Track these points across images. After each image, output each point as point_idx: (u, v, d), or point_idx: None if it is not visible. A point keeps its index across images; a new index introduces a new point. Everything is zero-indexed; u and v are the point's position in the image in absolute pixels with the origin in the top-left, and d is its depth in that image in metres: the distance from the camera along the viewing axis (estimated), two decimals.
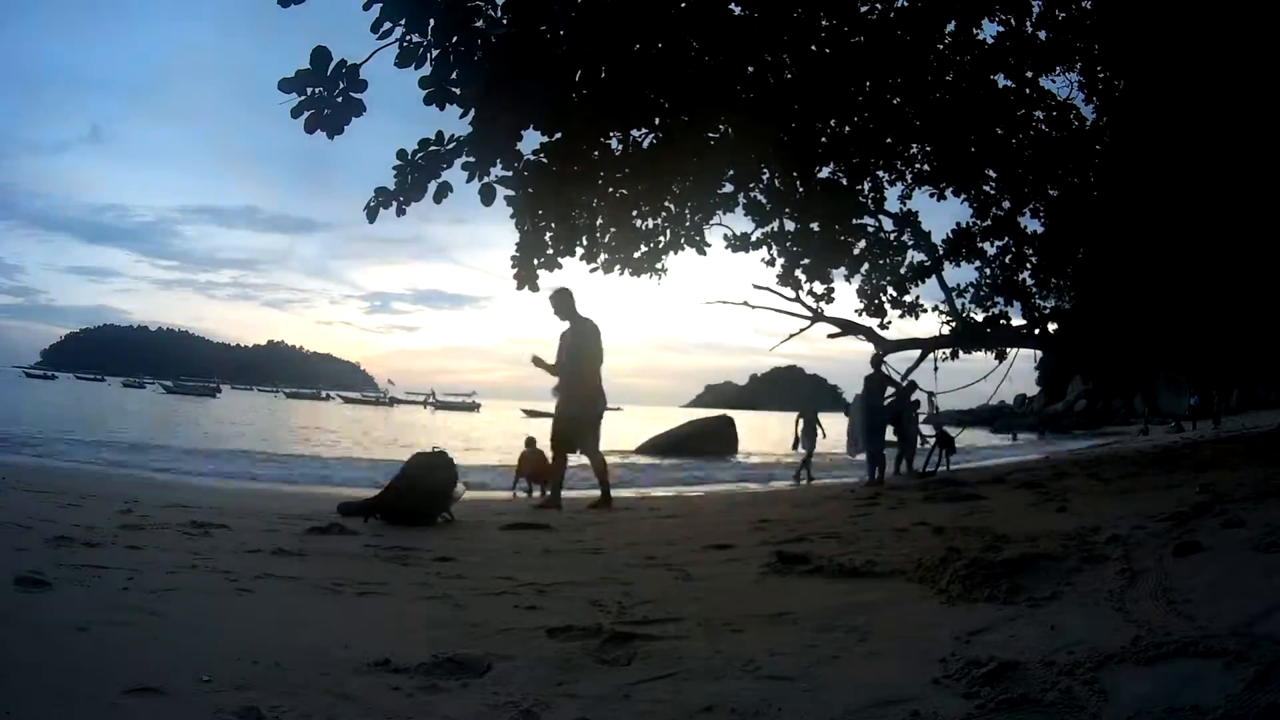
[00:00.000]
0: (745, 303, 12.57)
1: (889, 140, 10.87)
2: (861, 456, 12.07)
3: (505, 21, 5.05)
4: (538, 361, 7.80)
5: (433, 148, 5.28)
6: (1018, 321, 12.97)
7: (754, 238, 11.47)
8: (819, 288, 12.16)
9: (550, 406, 8.21)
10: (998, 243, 12.64)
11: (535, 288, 7.48)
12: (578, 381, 7.64)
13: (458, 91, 4.97)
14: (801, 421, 14.50)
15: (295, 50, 4.79)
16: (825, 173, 10.79)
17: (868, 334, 12.77)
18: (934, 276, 12.61)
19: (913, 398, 13.16)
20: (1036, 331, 13.19)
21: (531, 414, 59.13)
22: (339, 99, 4.64)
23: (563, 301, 7.67)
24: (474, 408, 69.05)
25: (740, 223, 12.60)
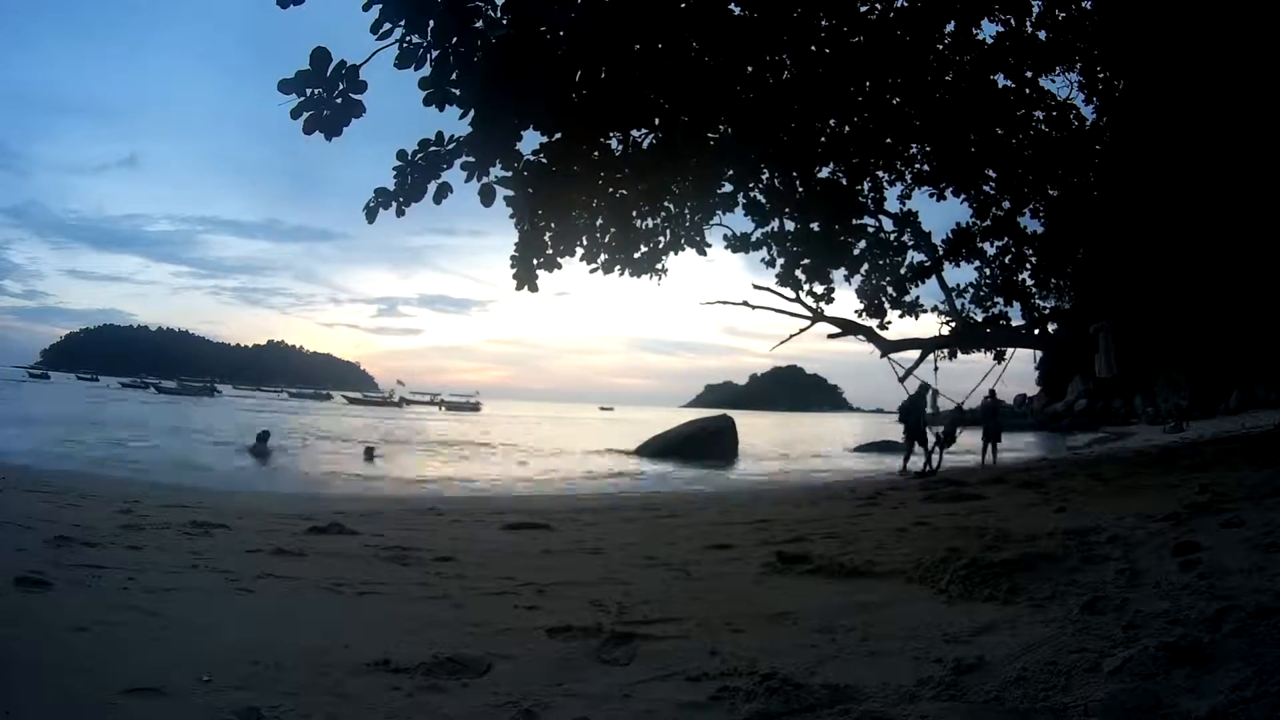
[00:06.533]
0: (745, 303, 12.57)
1: (889, 140, 10.87)
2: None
3: (505, 22, 5.05)
4: None
5: (433, 148, 5.28)
6: (1018, 321, 12.98)
7: (754, 238, 11.47)
8: (819, 288, 12.16)
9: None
10: (998, 243, 12.65)
11: (535, 288, 7.47)
12: None
13: (457, 92, 4.98)
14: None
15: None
16: (825, 173, 10.80)
17: (868, 334, 12.76)
18: (934, 276, 12.61)
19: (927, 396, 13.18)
20: (1036, 331, 13.19)
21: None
22: (338, 100, 4.64)
23: None
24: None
25: (740, 223, 12.62)
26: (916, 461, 13.31)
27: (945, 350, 12.86)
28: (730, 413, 25.74)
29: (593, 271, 9.12)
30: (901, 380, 12.60)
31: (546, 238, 7.64)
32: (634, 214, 8.95)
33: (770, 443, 29.35)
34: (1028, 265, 12.79)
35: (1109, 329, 10.94)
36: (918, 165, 11.78)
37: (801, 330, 12.63)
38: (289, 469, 14.42)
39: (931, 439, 13.14)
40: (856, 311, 12.98)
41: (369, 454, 17.28)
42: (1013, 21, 10.12)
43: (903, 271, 12.65)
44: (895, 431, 17.54)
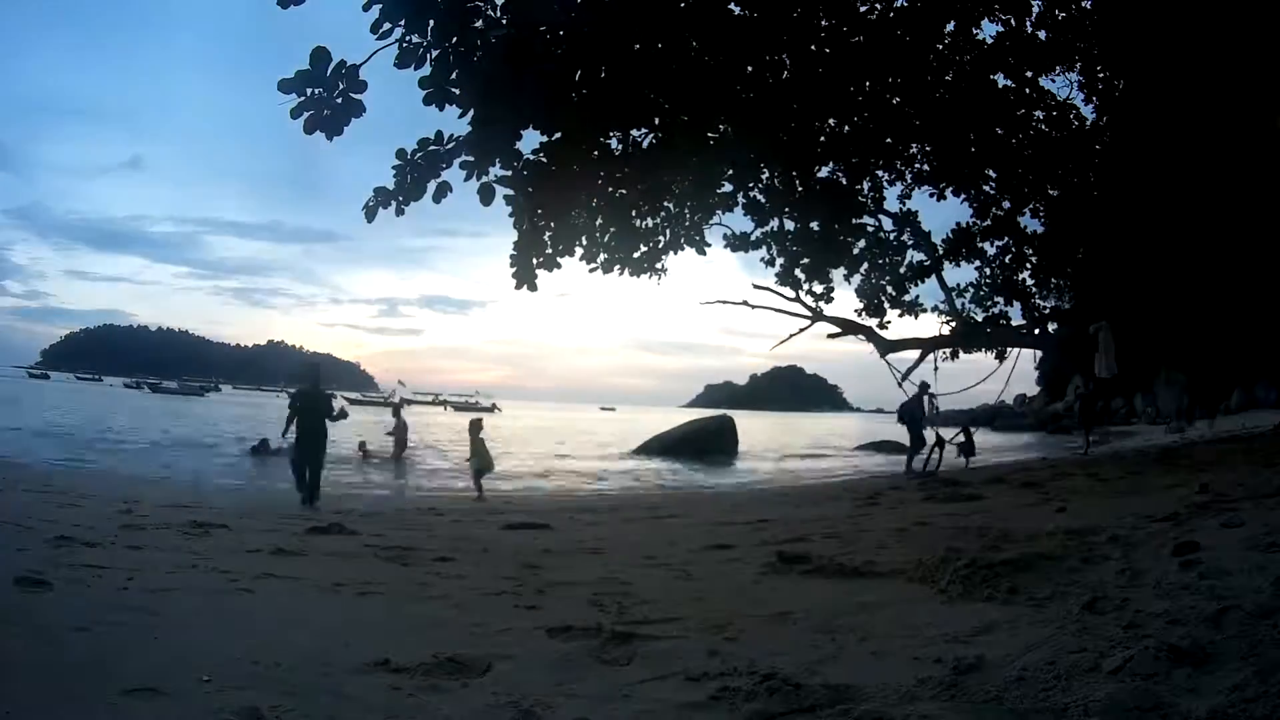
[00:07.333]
0: (745, 302, 12.57)
1: (889, 140, 10.87)
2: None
3: (505, 22, 5.06)
4: None
5: (432, 147, 5.28)
6: (1018, 321, 12.98)
7: (754, 237, 11.47)
8: (818, 287, 12.17)
9: None
10: (998, 243, 12.64)
11: (534, 287, 7.47)
12: None
13: (457, 91, 4.98)
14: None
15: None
16: (825, 172, 10.80)
17: (868, 334, 12.76)
18: (934, 276, 12.61)
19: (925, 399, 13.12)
20: (1036, 331, 13.19)
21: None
22: (338, 100, 4.64)
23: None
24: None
25: (740, 222, 12.59)
26: (930, 459, 13.16)
27: (946, 350, 12.86)
28: (730, 413, 25.76)
29: (592, 271, 9.13)
30: (900, 382, 12.58)
31: (546, 237, 7.64)
32: (634, 213, 8.95)
33: (770, 443, 29.33)
34: (1028, 265, 12.78)
35: (1109, 329, 10.94)
36: (918, 165, 11.78)
37: (801, 330, 12.64)
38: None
39: (932, 439, 13.11)
40: (856, 311, 12.98)
41: (363, 449, 17.19)
42: (1013, 21, 10.12)
43: (903, 271, 12.65)
44: (895, 432, 17.50)
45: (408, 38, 4.77)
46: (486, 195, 5.42)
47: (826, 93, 8.86)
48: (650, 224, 9.51)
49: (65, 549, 4.11)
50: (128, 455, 14.66)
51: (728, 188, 9.85)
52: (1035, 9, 10.14)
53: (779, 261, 11.85)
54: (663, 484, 14.41)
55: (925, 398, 12.76)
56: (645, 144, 7.82)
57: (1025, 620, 2.56)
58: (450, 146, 5.29)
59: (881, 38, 8.76)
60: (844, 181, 11.07)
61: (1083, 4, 10.16)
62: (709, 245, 9.94)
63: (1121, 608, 2.50)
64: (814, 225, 11.19)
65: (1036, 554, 3.30)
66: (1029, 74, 10.62)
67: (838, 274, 12.29)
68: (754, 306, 12.53)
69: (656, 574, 4.11)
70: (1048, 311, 13.34)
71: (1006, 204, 12.14)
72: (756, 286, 12.39)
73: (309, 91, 4.60)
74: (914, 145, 11.41)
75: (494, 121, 5.22)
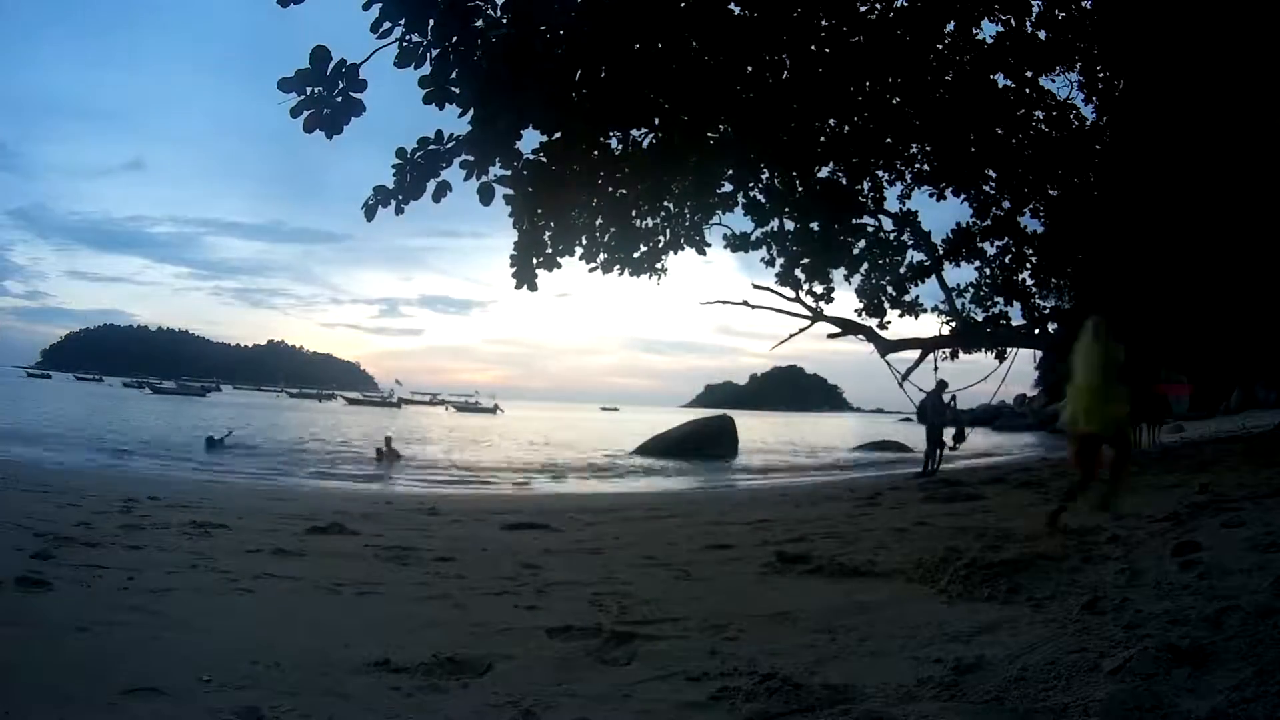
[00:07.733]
0: (745, 302, 12.56)
1: (889, 140, 10.87)
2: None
3: (505, 21, 5.06)
4: None
5: (432, 146, 5.28)
6: (1018, 321, 12.97)
7: (754, 237, 11.46)
8: (818, 287, 12.16)
9: None
10: (998, 243, 12.64)
11: (534, 287, 7.47)
12: None
13: (457, 91, 4.98)
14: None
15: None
16: (825, 173, 10.80)
17: (868, 334, 12.74)
18: (934, 276, 12.60)
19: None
20: (1036, 331, 13.18)
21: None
22: (338, 99, 4.64)
23: None
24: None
25: (740, 222, 12.59)
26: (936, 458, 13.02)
27: (946, 350, 12.85)
28: (730, 413, 25.82)
29: (592, 270, 9.13)
30: (900, 382, 12.54)
31: (546, 237, 7.64)
32: (633, 213, 8.95)
33: (770, 442, 29.34)
34: (1028, 265, 12.78)
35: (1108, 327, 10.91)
36: (918, 165, 11.78)
37: (801, 330, 12.61)
38: None
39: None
40: (856, 311, 12.97)
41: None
42: (1013, 21, 10.12)
43: (903, 271, 12.64)
44: (895, 432, 17.53)
45: (408, 37, 4.77)
46: (486, 195, 5.41)
47: (826, 93, 8.86)
48: (650, 224, 9.50)
49: (65, 549, 4.11)
50: (128, 456, 14.74)
51: (728, 188, 9.84)
52: (1035, 9, 10.15)
53: (779, 261, 11.84)
54: (663, 484, 14.41)
55: (944, 395, 12.68)
56: (645, 144, 7.82)
57: (1025, 620, 2.56)
58: (450, 146, 5.28)
59: (881, 38, 8.76)
60: (844, 182, 11.07)
61: (1083, 4, 10.17)
62: (709, 245, 9.93)
63: (1121, 608, 2.50)
64: (814, 225, 11.18)
65: (1036, 554, 3.31)
66: (1029, 74, 10.63)
67: (838, 274, 12.27)
68: (754, 306, 12.52)
69: (656, 574, 4.11)
70: (1048, 311, 13.34)
71: (1006, 204, 12.14)
72: (756, 286, 12.39)
73: (309, 90, 4.59)
74: (914, 145, 11.41)
75: (494, 121, 5.22)
